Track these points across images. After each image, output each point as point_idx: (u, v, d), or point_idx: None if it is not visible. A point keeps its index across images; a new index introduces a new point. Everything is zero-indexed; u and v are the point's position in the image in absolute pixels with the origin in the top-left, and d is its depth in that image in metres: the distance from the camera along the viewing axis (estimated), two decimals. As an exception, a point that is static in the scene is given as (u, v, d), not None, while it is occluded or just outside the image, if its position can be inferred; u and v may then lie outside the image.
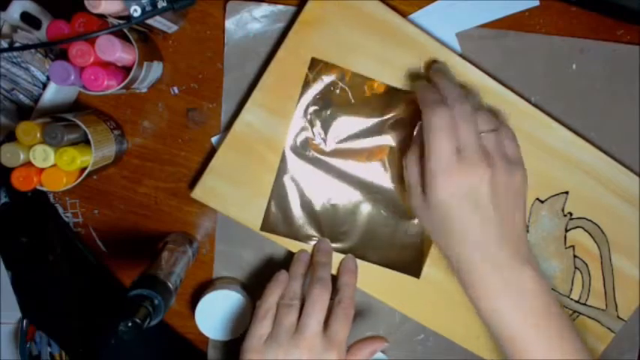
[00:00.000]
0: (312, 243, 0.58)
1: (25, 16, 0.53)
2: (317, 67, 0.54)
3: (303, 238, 0.58)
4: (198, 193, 0.57)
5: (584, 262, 0.59)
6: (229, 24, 0.56)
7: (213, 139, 0.58)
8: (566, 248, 0.59)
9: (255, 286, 0.61)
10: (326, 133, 0.56)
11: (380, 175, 0.57)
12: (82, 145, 0.51)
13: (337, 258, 0.58)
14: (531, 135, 0.56)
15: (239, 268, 0.61)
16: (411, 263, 0.58)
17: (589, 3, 0.55)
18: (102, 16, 0.47)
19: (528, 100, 0.56)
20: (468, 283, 0.47)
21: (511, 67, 0.57)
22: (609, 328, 0.60)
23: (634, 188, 0.57)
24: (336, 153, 0.56)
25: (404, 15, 0.55)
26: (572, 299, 0.60)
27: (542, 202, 0.58)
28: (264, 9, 0.55)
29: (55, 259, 0.61)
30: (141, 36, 0.52)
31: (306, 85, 0.55)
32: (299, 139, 0.56)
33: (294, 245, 0.58)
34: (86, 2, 0.44)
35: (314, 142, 0.56)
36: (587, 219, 0.58)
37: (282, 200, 0.57)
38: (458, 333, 0.60)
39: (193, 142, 0.59)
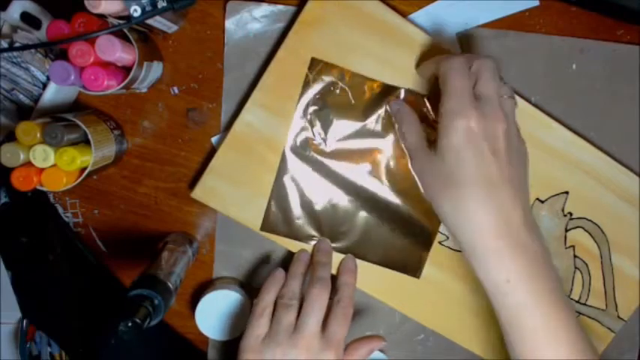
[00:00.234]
0: (312, 243, 0.58)
1: (25, 16, 0.53)
2: (317, 67, 0.54)
3: (303, 238, 0.58)
4: (198, 193, 0.57)
5: (584, 262, 0.59)
6: (229, 24, 0.56)
7: (213, 139, 0.58)
8: (566, 248, 0.59)
9: (255, 286, 0.61)
10: (326, 133, 0.56)
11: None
12: (82, 145, 0.51)
13: (337, 258, 0.58)
14: (531, 135, 0.56)
15: (239, 268, 0.61)
16: (411, 263, 0.58)
17: (589, 3, 0.55)
18: (102, 16, 0.47)
19: (528, 100, 0.56)
20: (477, 257, 0.45)
21: (511, 67, 0.57)
22: (609, 328, 0.60)
23: (634, 188, 0.58)
24: (336, 153, 0.56)
25: (404, 15, 0.55)
26: (572, 299, 0.59)
27: (542, 202, 0.58)
28: (264, 9, 0.55)
29: (55, 259, 0.61)
30: (141, 36, 0.52)
31: (306, 85, 0.55)
32: (299, 139, 0.56)
33: (294, 245, 0.58)
34: (86, 2, 0.44)
35: (314, 142, 0.56)
36: (587, 219, 0.58)
37: (282, 200, 0.57)
38: (458, 333, 0.60)
39: (193, 142, 0.59)
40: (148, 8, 0.46)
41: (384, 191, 0.57)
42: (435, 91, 0.53)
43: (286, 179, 0.57)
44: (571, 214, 0.58)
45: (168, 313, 0.49)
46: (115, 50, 0.47)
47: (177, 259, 0.55)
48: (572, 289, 0.59)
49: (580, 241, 0.59)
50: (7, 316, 0.75)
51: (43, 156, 0.49)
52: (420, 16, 0.56)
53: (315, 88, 0.55)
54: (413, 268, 0.58)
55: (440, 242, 0.58)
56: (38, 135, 0.49)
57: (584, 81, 0.57)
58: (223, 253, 0.61)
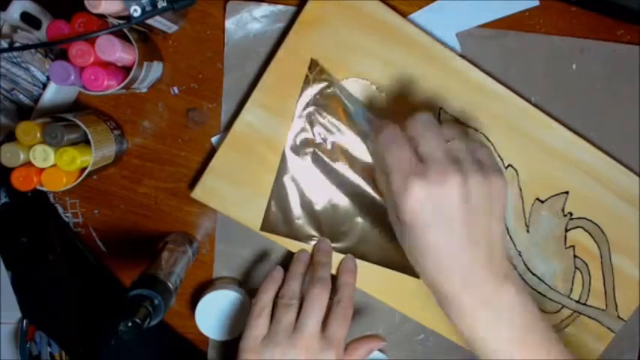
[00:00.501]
0: (312, 243, 0.58)
1: (25, 16, 0.53)
2: (317, 67, 0.54)
3: (303, 238, 0.58)
4: (198, 193, 0.57)
5: (584, 262, 0.59)
6: (229, 24, 0.56)
7: (213, 139, 0.58)
8: (566, 248, 0.59)
9: (254, 286, 0.61)
10: (326, 133, 0.56)
11: (380, 175, 0.57)
12: (82, 145, 0.51)
13: (337, 258, 0.58)
14: (531, 135, 0.56)
15: (239, 268, 0.61)
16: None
17: (589, 3, 0.55)
18: (102, 16, 0.47)
19: (528, 100, 0.56)
20: (451, 313, 0.44)
21: (511, 66, 0.57)
22: (609, 328, 0.60)
23: (634, 188, 0.57)
24: (336, 153, 0.56)
25: (404, 15, 0.55)
26: (572, 299, 0.59)
27: (542, 202, 0.58)
28: (264, 9, 0.55)
29: (55, 259, 0.61)
30: (141, 36, 0.52)
31: (306, 85, 0.55)
32: (299, 139, 0.56)
33: (294, 245, 0.58)
34: (86, 2, 0.44)
35: (314, 142, 0.56)
36: (587, 219, 0.58)
37: (282, 200, 0.57)
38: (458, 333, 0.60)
39: (193, 142, 0.59)
40: (148, 8, 0.46)
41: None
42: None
43: (286, 179, 0.57)
44: (571, 214, 0.58)
45: (168, 313, 0.49)
46: (115, 50, 0.47)
47: (177, 259, 0.55)
48: (572, 289, 0.59)
49: (580, 241, 0.59)
50: (7, 316, 0.75)
51: (43, 156, 0.49)
52: (420, 16, 0.56)
53: (315, 88, 0.55)
54: (413, 268, 0.58)
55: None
56: (38, 135, 0.49)
57: (584, 81, 0.57)
58: (223, 253, 0.61)
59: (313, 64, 0.54)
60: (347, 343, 0.55)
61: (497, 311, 0.43)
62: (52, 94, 0.54)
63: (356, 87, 0.55)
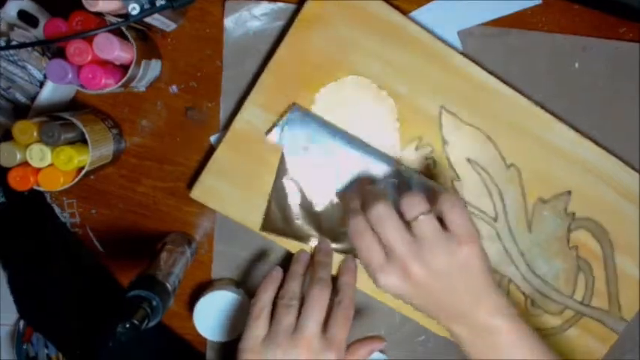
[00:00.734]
0: (312, 243, 0.58)
1: (23, 14, 0.53)
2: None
3: (303, 238, 0.57)
4: (197, 193, 0.57)
5: (587, 262, 0.59)
6: (228, 22, 0.55)
7: (212, 138, 0.58)
8: (569, 249, 0.58)
9: (253, 286, 0.61)
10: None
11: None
12: (79, 145, 0.51)
13: (337, 258, 0.58)
14: (534, 134, 0.56)
15: (238, 268, 0.61)
16: None
17: (591, 1, 0.55)
18: (100, 14, 0.47)
19: (530, 98, 0.56)
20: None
21: (513, 65, 0.56)
22: (612, 329, 0.60)
23: (637, 187, 0.57)
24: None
25: (405, 13, 0.55)
26: (575, 300, 0.59)
27: (544, 202, 0.57)
28: (264, 7, 0.55)
29: (52, 260, 0.61)
30: (139, 34, 0.52)
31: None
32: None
33: (293, 245, 0.58)
34: (84, 0, 0.44)
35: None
36: (590, 219, 0.58)
37: (282, 200, 0.56)
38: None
39: (192, 141, 0.58)
40: (147, 6, 0.45)
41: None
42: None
43: (286, 179, 0.56)
44: (574, 214, 0.58)
45: (166, 314, 0.49)
46: (113, 48, 0.47)
47: (175, 259, 0.54)
48: (575, 290, 0.59)
49: (583, 241, 0.58)
50: (4, 318, 0.74)
51: (39, 155, 0.49)
52: (421, 14, 0.55)
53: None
54: None
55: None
56: (35, 134, 0.48)
57: (586, 79, 0.57)
58: (222, 253, 0.61)
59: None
60: (348, 344, 0.54)
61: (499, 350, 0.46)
62: (49, 92, 0.54)
63: (356, 86, 0.55)
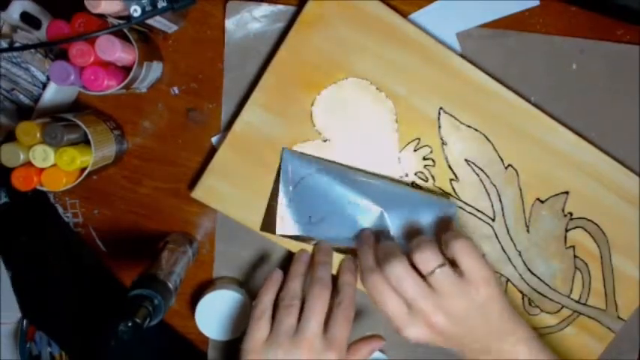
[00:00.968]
0: (313, 243, 0.58)
1: (25, 16, 0.53)
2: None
3: (303, 238, 0.58)
4: (199, 193, 0.57)
5: (584, 262, 0.59)
6: (229, 24, 0.56)
7: (214, 139, 0.58)
8: (566, 248, 0.59)
9: (254, 286, 0.61)
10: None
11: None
12: (82, 145, 0.51)
13: (337, 258, 0.58)
14: (531, 135, 0.56)
15: (239, 268, 0.61)
16: None
17: (589, 3, 0.55)
18: (102, 16, 0.47)
19: (528, 100, 0.56)
20: None
21: (511, 66, 0.57)
22: (609, 328, 0.60)
23: (634, 188, 0.57)
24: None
25: (404, 15, 0.55)
26: (572, 299, 0.59)
27: (542, 202, 0.58)
28: (265, 9, 0.55)
29: (55, 259, 0.61)
30: (141, 36, 0.52)
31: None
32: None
33: (294, 245, 0.58)
34: (86, 2, 0.44)
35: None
36: (587, 219, 0.58)
37: None
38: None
39: (193, 142, 0.59)
40: (148, 8, 0.46)
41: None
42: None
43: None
44: (571, 214, 0.58)
45: (168, 313, 0.49)
46: (115, 50, 0.47)
47: (177, 259, 0.55)
48: (572, 289, 0.59)
49: (580, 241, 0.58)
50: (7, 316, 0.75)
51: (43, 156, 0.49)
52: (420, 15, 0.56)
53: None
54: None
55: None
56: (38, 135, 0.49)
57: (584, 81, 0.57)
58: (223, 253, 0.61)
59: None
60: (349, 344, 0.54)
61: None
62: (52, 94, 0.54)
63: (355, 87, 0.55)
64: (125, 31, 0.48)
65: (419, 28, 0.54)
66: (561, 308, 0.60)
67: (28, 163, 0.50)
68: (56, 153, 0.49)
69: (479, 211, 0.58)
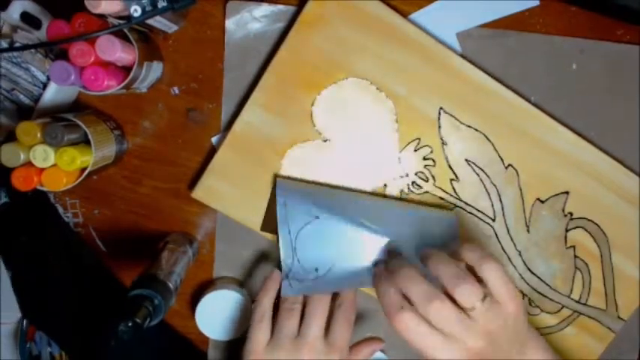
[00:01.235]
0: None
1: (25, 16, 0.53)
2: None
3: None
4: (199, 193, 0.57)
5: (584, 262, 0.59)
6: (229, 24, 0.56)
7: (214, 139, 0.58)
8: (566, 248, 0.59)
9: (255, 286, 0.61)
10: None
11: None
12: (82, 145, 0.51)
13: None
14: (531, 135, 0.56)
15: (239, 268, 0.61)
16: None
17: (589, 3, 0.55)
18: (102, 16, 0.47)
19: (528, 100, 0.56)
20: None
21: (511, 66, 0.57)
22: (609, 328, 0.60)
23: (634, 188, 0.57)
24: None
25: (404, 15, 0.55)
26: (572, 299, 0.59)
27: (542, 202, 0.58)
28: (265, 9, 0.55)
29: (55, 259, 0.61)
30: (141, 36, 0.52)
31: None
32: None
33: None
34: (86, 2, 0.44)
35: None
36: (587, 219, 0.58)
37: None
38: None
39: (193, 142, 0.59)
40: (148, 8, 0.46)
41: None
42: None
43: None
44: (571, 214, 0.58)
45: (168, 313, 0.49)
46: (116, 50, 0.47)
47: (177, 259, 0.55)
48: (572, 289, 0.59)
49: (580, 241, 0.59)
50: (7, 316, 0.75)
51: (43, 156, 0.49)
52: (420, 16, 0.56)
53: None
54: None
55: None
56: (38, 135, 0.49)
57: (584, 81, 0.57)
58: (223, 253, 0.61)
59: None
60: (350, 346, 0.55)
61: None
62: (53, 94, 0.54)
63: (356, 87, 0.55)
64: (125, 31, 0.48)
65: (419, 28, 0.54)
66: (561, 308, 0.60)
67: (29, 163, 0.50)
68: (56, 153, 0.49)
69: (479, 211, 0.58)
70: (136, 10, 0.45)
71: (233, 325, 0.60)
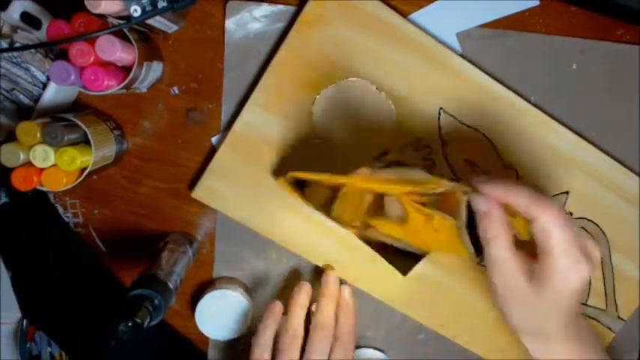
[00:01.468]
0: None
1: (25, 16, 0.53)
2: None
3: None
4: (199, 193, 0.57)
5: (584, 262, 0.59)
6: (229, 24, 0.56)
7: (214, 139, 0.58)
8: (566, 248, 0.59)
9: (255, 285, 0.61)
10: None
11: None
12: (82, 145, 0.51)
13: (339, 260, 0.58)
14: (531, 135, 0.56)
15: (239, 268, 0.61)
16: (404, 262, 0.57)
17: (589, 3, 0.55)
18: (102, 16, 0.47)
19: (528, 100, 0.57)
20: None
21: (511, 66, 0.57)
22: (609, 328, 0.60)
23: (634, 188, 0.58)
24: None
25: (404, 15, 0.55)
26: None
27: (542, 202, 0.58)
28: (265, 9, 0.55)
29: (55, 259, 0.61)
30: (141, 36, 0.52)
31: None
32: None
33: (294, 244, 0.58)
34: (86, 2, 0.44)
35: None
36: (587, 219, 0.58)
37: None
38: (458, 333, 0.60)
39: (193, 142, 0.59)
40: (148, 8, 0.46)
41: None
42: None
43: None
44: (571, 213, 0.58)
45: (168, 313, 0.49)
46: (115, 50, 0.47)
47: (177, 259, 0.55)
48: (572, 289, 0.59)
49: (580, 241, 0.59)
50: (7, 316, 0.75)
51: (43, 156, 0.49)
52: (420, 16, 0.56)
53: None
54: (404, 267, 0.57)
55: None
56: (38, 135, 0.49)
57: (584, 81, 0.57)
58: (223, 253, 0.61)
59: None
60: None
61: None
62: (52, 94, 0.54)
63: (355, 87, 0.55)
64: (125, 31, 0.49)
65: (419, 28, 0.54)
66: (561, 308, 0.60)
67: (28, 163, 0.50)
68: (56, 153, 0.49)
69: (479, 211, 0.58)
70: (135, 10, 0.46)
71: (233, 325, 0.60)
